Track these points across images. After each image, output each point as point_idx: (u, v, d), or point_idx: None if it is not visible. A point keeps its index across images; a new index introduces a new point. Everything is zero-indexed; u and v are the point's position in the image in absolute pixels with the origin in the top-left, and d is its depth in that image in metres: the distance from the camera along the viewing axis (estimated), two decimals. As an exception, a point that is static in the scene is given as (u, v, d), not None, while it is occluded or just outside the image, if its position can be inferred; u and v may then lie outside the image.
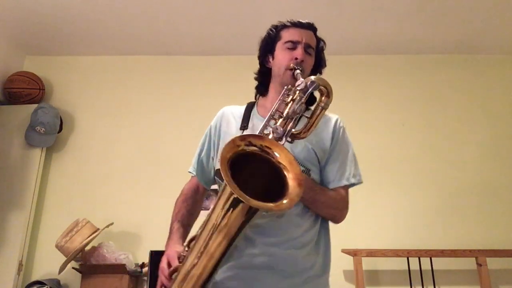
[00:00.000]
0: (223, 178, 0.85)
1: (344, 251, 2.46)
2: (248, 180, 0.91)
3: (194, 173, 1.33)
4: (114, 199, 2.80)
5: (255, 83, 1.36)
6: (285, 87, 1.11)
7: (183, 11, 2.71)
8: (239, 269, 1.08)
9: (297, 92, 1.06)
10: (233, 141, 0.92)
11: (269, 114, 1.07)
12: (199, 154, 1.34)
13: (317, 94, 1.12)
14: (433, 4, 2.64)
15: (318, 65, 1.30)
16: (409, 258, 2.54)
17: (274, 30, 1.30)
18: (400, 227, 2.72)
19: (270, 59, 1.30)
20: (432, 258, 2.53)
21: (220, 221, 0.89)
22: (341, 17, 2.77)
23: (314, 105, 1.09)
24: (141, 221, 2.73)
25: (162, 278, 1.07)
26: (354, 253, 2.46)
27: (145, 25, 2.87)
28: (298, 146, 1.16)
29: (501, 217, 2.75)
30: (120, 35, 2.98)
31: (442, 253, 2.51)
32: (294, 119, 1.04)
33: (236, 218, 0.88)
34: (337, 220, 1.22)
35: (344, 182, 1.20)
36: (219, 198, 0.91)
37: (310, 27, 1.28)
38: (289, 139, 1.05)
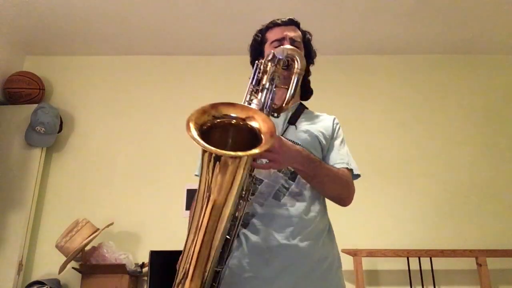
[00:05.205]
0: (190, 136, 0.83)
1: (344, 251, 2.46)
2: (225, 145, 0.92)
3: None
4: (114, 199, 2.80)
5: None
6: (256, 62, 1.13)
7: (183, 11, 2.71)
8: (251, 256, 1.07)
9: (269, 63, 1.08)
10: (202, 108, 0.90)
11: (247, 90, 1.08)
12: None
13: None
14: (433, 4, 2.64)
15: (308, 56, 1.33)
16: (409, 258, 2.54)
17: (259, 34, 1.36)
18: (400, 227, 2.72)
19: None
20: (432, 258, 2.54)
21: (206, 190, 0.88)
22: (341, 17, 2.77)
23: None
24: (141, 221, 2.73)
25: None
26: (354, 253, 2.46)
27: (145, 25, 2.87)
28: (304, 134, 1.19)
29: (501, 217, 2.75)
30: (120, 35, 2.98)
31: (442, 253, 2.51)
32: (270, 90, 1.05)
33: (220, 180, 0.86)
34: (344, 200, 1.19)
35: (345, 165, 1.20)
36: (201, 171, 0.89)
37: (292, 22, 1.31)
38: (273, 112, 1.05)
